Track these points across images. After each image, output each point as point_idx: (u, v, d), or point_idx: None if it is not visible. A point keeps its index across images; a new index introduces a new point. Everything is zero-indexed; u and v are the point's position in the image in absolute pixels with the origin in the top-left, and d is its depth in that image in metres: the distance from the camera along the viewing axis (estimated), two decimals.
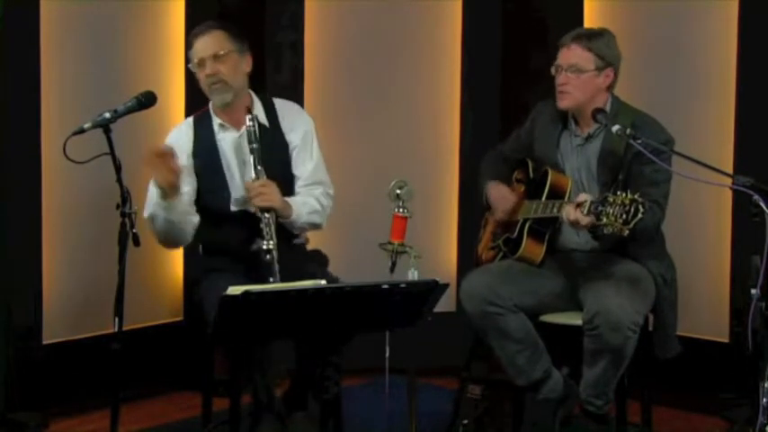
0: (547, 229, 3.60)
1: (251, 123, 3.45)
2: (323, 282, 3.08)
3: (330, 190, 3.67)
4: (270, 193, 3.42)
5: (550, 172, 3.59)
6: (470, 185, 4.31)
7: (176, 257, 4.57)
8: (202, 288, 3.44)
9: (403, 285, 2.98)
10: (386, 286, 2.94)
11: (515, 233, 3.66)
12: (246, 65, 3.58)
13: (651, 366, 3.59)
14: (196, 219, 3.52)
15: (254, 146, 3.43)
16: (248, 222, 3.47)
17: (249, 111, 3.48)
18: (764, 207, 3.05)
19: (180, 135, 3.61)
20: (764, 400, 3.05)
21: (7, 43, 3.90)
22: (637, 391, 3.62)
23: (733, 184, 3.20)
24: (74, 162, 3.06)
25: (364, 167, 4.74)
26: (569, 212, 3.28)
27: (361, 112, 4.85)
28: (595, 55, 3.52)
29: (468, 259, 4.30)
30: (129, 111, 3.18)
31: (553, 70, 3.58)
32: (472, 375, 3.83)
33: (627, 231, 3.09)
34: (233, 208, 3.54)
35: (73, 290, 4.18)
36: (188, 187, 3.51)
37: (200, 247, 3.66)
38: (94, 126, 3.06)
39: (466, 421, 3.78)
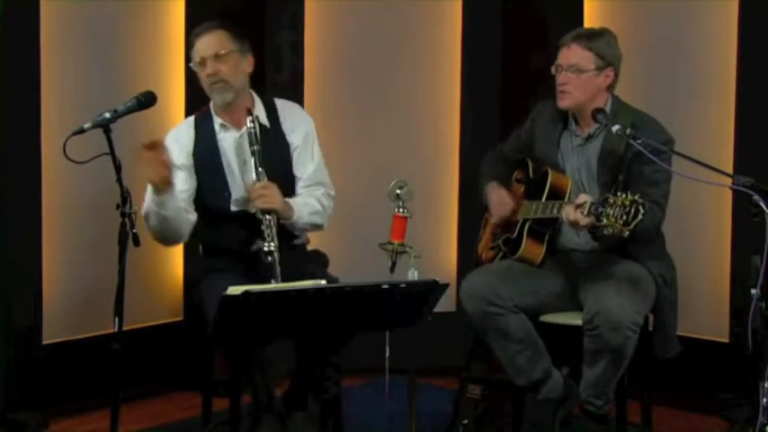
0: (547, 229, 3.60)
1: (252, 125, 3.45)
2: (323, 282, 3.08)
3: (331, 191, 3.67)
4: (271, 195, 3.42)
5: (550, 172, 3.59)
6: (470, 185, 4.31)
7: (176, 257, 4.57)
8: (202, 288, 3.44)
9: (403, 285, 2.98)
10: (386, 286, 2.94)
11: (515, 233, 3.66)
12: (248, 65, 3.58)
13: (651, 366, 3.59)
14: (193, 217, 3.51)
15: (256, 147, 3.43)
16: (248, 223, 3.47)
17: (250, 112, 3.48)
18: (764, 207, 3.05)
19: (180, 134, 3.61)
20: (764, 400, 3.05)
21: (7, 43, 3.90)
22: (637, 391, 3.62)
23: (733, 184, 3.20)
24: (74, 162, 3.06)
25: (364, 167, 4.74)
26: (569, 213, 3.28)
27: (361, 112, 4.85)
28: (596, 55, 3.52)
29: (468, 259, 4.30)
30: (129, 111, 3.18)
31: (553, 70, 3.58)
32: (472, 375, 3.83)
33: (627, 232, 3.09)
34: (233, 208, 3.54)
35: (73, 290, 4.18)
36: (186, 185, 3.51)
37: (201, 247, 3.66)
38: (94, 126, 3.06)
39: (466, 421, 3.78)
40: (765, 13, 4.09)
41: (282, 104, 3.69)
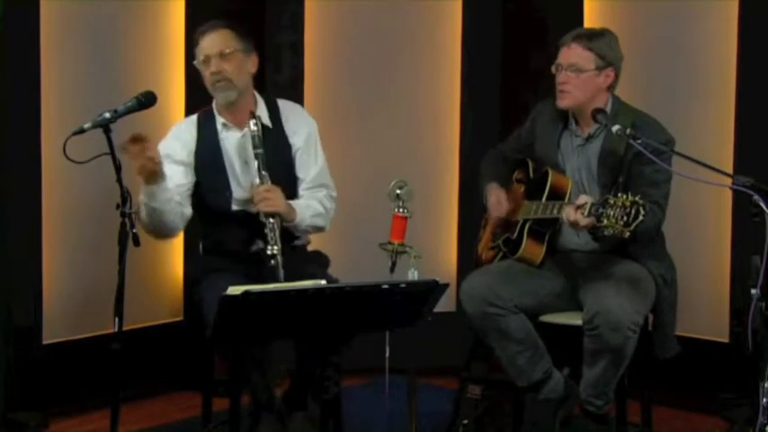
0: (547, 229, 3.60)
1: (255, 128, 3.45)
2: (323, 282, 3.08)
3: (333, 193, 3.67)
4: (275, 198, 3.42)
5: (551, 172, 3.59)
6: (470, 185, 4.31)
7: (176, 257, 4.57)
8: (202, 288, 3.44)
9: (403, 285, 2.98)
10: (386, 286, 2.94)
11: (515, 233, 3.66)
12: (252, 65, 3.58)
13: (651, 366, 3.60)
14: (188, 211, 3.50)
15: (259, 151, 3.43)
16: (249, 223, 3.47)
17: (253, 115, 3.48)
18: (764, 207, 3.05)
19: (182, 131, 3.61)
20: (764, 400, 3.05)
21: (7, 43, 3.90)
22: (637, 391, 3.62)
23: (733, 184, 3.20)
24: (74, 162, 3.05)
25: (364, 167, 4.74)
26: (569, 214, 3.28)
27: (361, 112, 4.85)
28: (596, 55, 3.52)
29: (468, 259, 4.30)
30: (129, 111, 3.18)
31: (553, 69, 3.58)
32: (472, 375, 3.83)
33: (628, 233, 3.09)
34: (234, 207, 3.54)
35: (73, 290, 4.18)
36: (185, 180, 3.50)
37: (201, 247, 3.66)
38: (94, 126, 3.06)
39: (466, 421, 3.78)
40: (765, 13, 4.09)
41: (285, 105, 3.69)
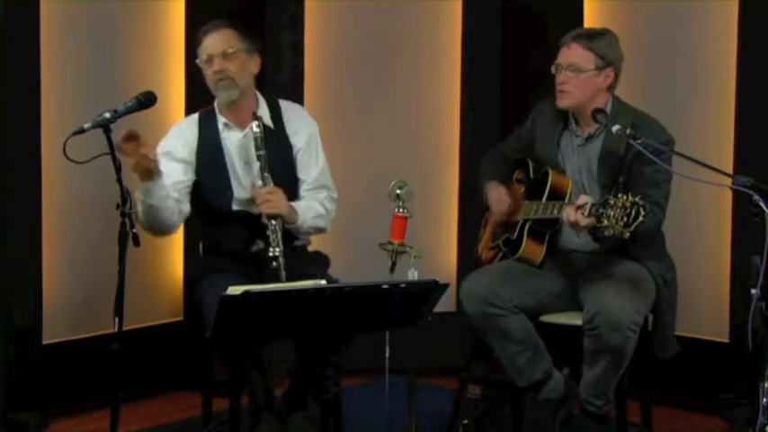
0: (547, 229, 3.60)
1: (258, 130, 3.45)
2: (323, 282, 3.08)
3: (334, 194, 3.67)
4: (277, 200, 3.42)
5: (551, 173, 3.59)
6: (470, 185, 4.31)
7: (176, 257, 4.57)
8: (202, 288, 3.44)
9: (403, 285, 2.98)
10: (386, 286, 2.94)
11: (515, 234, 3.65)
12: (254, 65, 3.58)
13: (651, 366, 3.59)
14: (186, 208, 3.50)
15: (262, 152, 3.43)
16: (249, 223, 3.47)
17: (256, 116, 3.48)
18: (764, 207, 3.05)
19: (184, 129, 3.61)
20: (764, 400, 3.05)
21: (7, 43, 3.90)
22: (637, 391, 3.62)
23: (733, 184, 3.20)
24: (74, 162, 3.05)
25: (364, 167, 4.74)
26: (570, 214, 3.28)
27: (361, 112, 4.85)
28: (595, 55, 3.52)
29: (468, 259, 4.30)
30: (129, 111, 3.17)
31: (553, 69, 3.58)
32: (472, 375, 3.83)
33: (628, 234, 3.09)
34: (235, 207, 3.54)
35: (73, 290, 4.18)
36: (184, 177, 3.50)
37: (201, 247, 3.66)
38: (94, 126, 3.06)
39: (466, 421, 3.78)
40: (765, 13, 4.09)
41: (286, 105, 3.69)
